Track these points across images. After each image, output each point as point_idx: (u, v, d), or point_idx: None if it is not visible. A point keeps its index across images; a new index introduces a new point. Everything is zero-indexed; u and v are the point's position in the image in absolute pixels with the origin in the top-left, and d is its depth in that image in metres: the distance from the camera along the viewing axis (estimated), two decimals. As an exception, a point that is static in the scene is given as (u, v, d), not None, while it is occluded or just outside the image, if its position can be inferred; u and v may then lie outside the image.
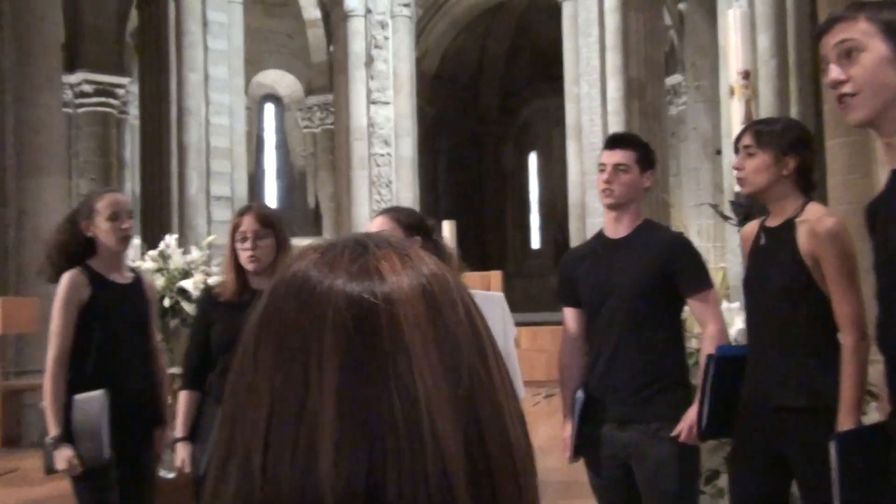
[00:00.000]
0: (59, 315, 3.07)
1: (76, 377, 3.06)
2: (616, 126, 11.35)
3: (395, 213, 3.00)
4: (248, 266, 3.04)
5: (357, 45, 13.31)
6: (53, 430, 2.99)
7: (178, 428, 3.10)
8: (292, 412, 0.55)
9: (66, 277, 3.09)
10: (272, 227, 3.07)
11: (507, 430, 0.57)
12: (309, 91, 18.06)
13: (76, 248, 3.16)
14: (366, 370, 0.54)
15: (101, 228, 3.14)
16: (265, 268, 3.06)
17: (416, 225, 2.89)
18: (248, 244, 3.03)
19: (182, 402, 3.12)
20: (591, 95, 11.95)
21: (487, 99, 22.02)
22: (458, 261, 3.06)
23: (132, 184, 16.04)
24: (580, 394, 2.91)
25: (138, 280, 3.33)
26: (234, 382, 0.60)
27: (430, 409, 0.54)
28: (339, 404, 0.53)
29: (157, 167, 13.17)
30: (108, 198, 3.21)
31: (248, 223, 3.05)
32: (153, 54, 13.27)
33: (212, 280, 4.43)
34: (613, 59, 11.81)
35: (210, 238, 5.46)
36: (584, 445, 2.90)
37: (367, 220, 13.32)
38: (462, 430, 0.55)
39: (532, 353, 10.45)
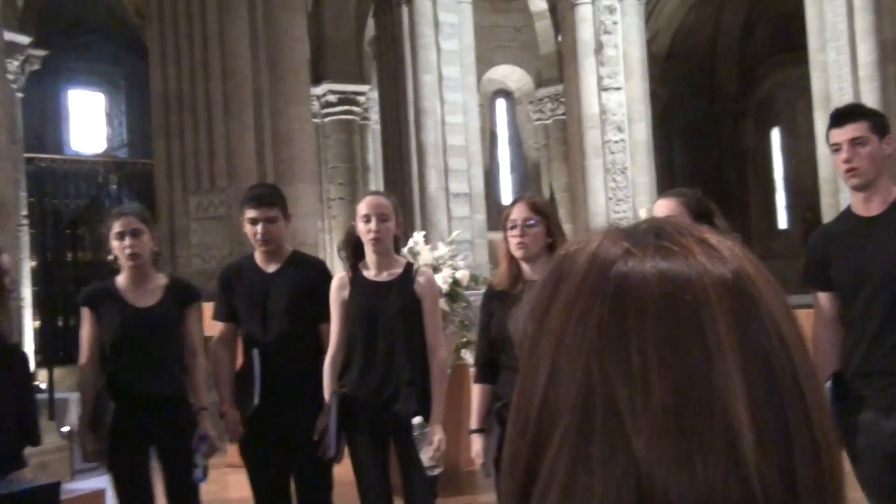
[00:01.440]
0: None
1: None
2: (869, 93, 10.51)
3: (683, 196, 2.94)
4: (516, 253, 3.07)
5: (586, 33, 13.19)
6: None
7: (473, 420, 3.15)
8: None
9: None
10: (542, 214, 3.09)
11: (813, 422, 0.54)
12: (539, 83, 18.14)
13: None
14: (686, 358, 0.52)
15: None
16: (535, 255, 3.07)
17: (703, 211, 2.85)
18: (516, 231, 3.05)
19: (475, 395, 3.18)
20: (840, 62, 11.12)
21: (723, 75, 21.08)
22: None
23: (376, 185, 16.86)
24: (828, 382, 2.74)
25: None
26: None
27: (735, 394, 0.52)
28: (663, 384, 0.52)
29: (398, 168, 13.76)
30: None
31: (518, 212, 3.08)
32: (390, 60, 13.87)
33: (459, 274, 4.57)
34: (864, 20, 10.93)
35: (454, 234, 5.63)
36: (842, 433, 2.73)
37: (603, 209, 13.18)
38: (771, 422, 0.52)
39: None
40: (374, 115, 16.88)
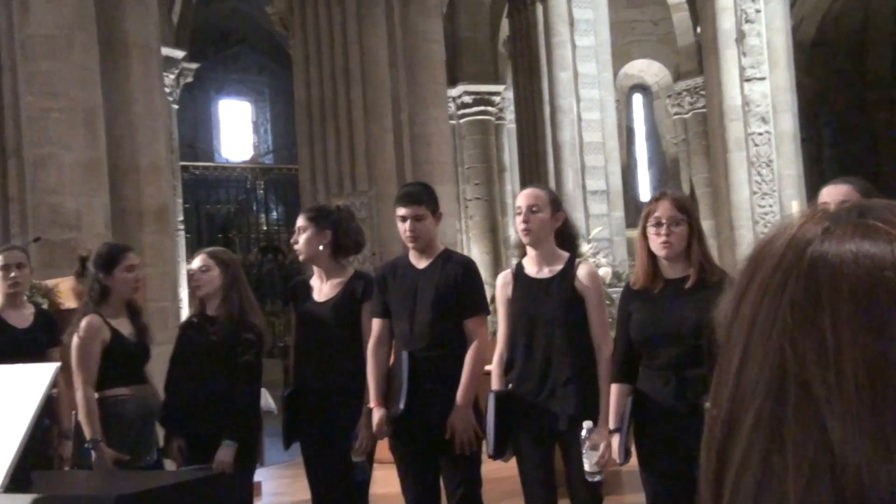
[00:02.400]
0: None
1: None
2: None
3: (856, 183, 2.84)
4: (661, 252, 2.97)
5: (726, 22, 12.80)
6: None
7: (611, 420, 3.11)
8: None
9: None
10: (687, 212, 2.98)
11: None
12: (677, 76, 17.73)
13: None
14: (882, 337, 0.49)
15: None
16: (678, 255, 2.98)
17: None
18: (662, 230, 2.95)
19: (613, 394, 3.14)
20: None
21: (875, 61, 19.99)
22: None
23: (512, 185, 16.88)
24: None
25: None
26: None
27: None
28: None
29: (534, 167, 13.72)
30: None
31: (662, 209, 2.96)
32: (525, 59, 13.85)
33: (601, 272, 4.53)
34: None
35: (595, 231, 5.59)
36: None
37: (747, 203, 12.75)
38: None
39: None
40: (510, 115, 16.90)
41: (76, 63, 6.22)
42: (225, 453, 3.62)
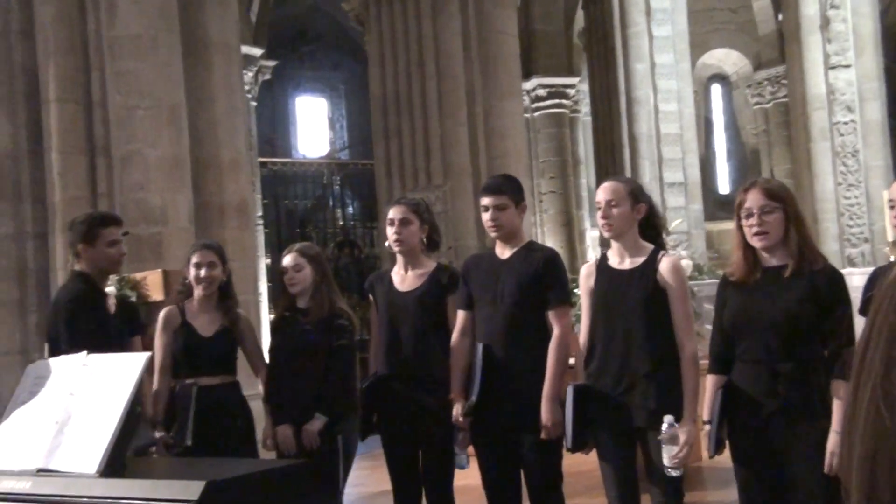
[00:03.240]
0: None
1: None
2: None
3: None
4: (755, 243, 2.92)
5: (810, 9, 12.44)
6: None
7: (705, 412, 3.07)
8: None
9: None
10: (779, 199, 2.92)
11: None
12: (757, 65, 17.32)
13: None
14: None
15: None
16: (775, 243, 2.92)
17: None
18: (753, 220, 2.91)
19: (708, 386, 3.09)
20: None
21: (969, 46, 19.21)
22: None
23: (587, 179, 16.74)
24: None
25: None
26: None
27: None
28: None
29: (609, 160, 13.58)
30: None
31: (752, 199, 2.92)
32: (600, 50, 13.70)
33: (682, 264, 4.45)
34: None
35: (675, 223, 5.49)
36: None
37: (831, 194, 12.39)
38: None
39: None
40: (585, 108, 16.75)
41: (160, 62, 6.39)
42: (313, 424, 3.75)
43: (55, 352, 3.50)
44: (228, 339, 3.97)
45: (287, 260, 3.96)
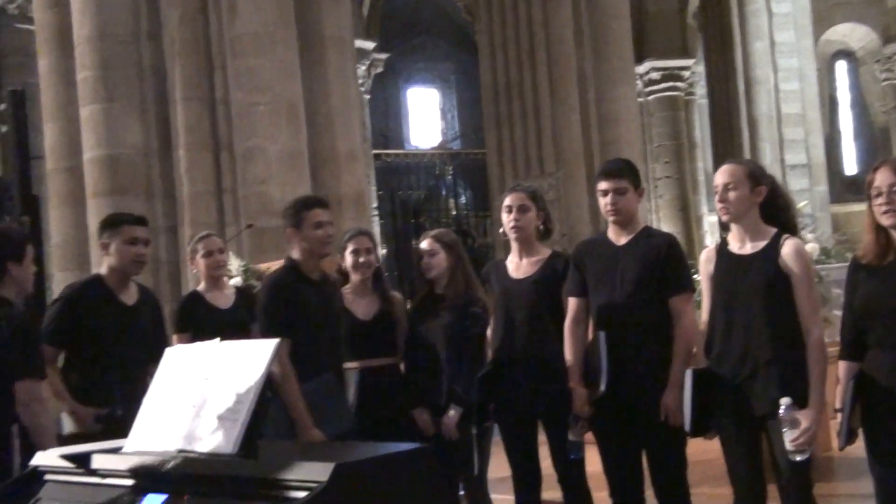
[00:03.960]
0: None
1: None
2: None
3: None
4: (886, 222, 2.81)
5: (944, -23, 11.80)
6: None
7: (837, 399, 2.97)
8: None
9: None
10: None
11: None
12: (886, 39, 16.51)
13: None
14: None
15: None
16: None
17: None
18: (882, 199, 2.80)
19: (841, 372, 3.01)
20: None
21: None
22: None
23: (703, 163, 16.34)
24: None
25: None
26: None
27: None
28: None
29: (727, 142, 13.22)
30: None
31: (881, 178, 2.81)
32: (716, 31, 13.34)
33: (808, 248, 4.30)
34: None
35: (801, 205, 5.30)
36: None
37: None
38: None
39: None
40: (700, 90, 16.35)
41: (279, 59, 6.58)
42: (450, 416, 3.83)
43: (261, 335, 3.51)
44: (387, 322, 4.08)
45: (422, 245, 4.04)
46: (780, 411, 2.92)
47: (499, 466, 3.81)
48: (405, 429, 3.89)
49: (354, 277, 4.07)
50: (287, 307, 3.53)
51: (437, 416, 3.91)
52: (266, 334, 3.26)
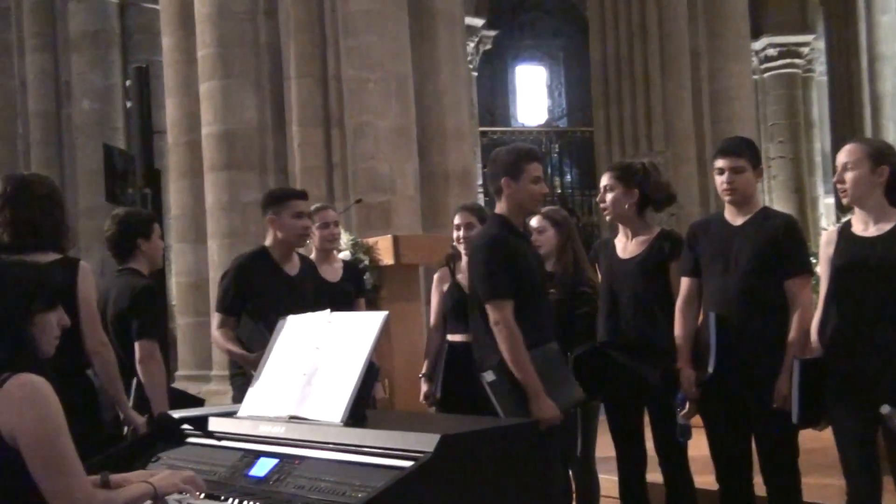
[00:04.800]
0: None
1: None
2: None
3: None
4: None
5: None
6: None
7: None
8: None
9: None
10: None
11: None
12: None
13: None
14: None
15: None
16: None
17: None
18: None
19: None
20: None
21: None
22: None
23: (821, 142, 15.73)
24: None
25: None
26: None
27: None
28: None
29: (847, 122, 12.70)
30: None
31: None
32: (838, 4, 12.79)
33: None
34: None
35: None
36: None
37: None
38: None
39: None
40: (819, 67, 15.72)
41: (389, 35, 6.64)
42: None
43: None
44: None
45: (532, 222, 4.04)
46: (885, 411, 2.82)
47: (607, 446, 3.79)
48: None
49: (463, 251, 4.13)
50: (509, 267, 3.27)
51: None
52: (491, 291, 3.22)
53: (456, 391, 3.98)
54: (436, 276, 4.37)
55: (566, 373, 3.39)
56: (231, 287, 3.84)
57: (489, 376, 3.18)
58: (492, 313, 3.20)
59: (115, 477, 2.22)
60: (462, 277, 4.07)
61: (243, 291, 3.82)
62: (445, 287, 4.25)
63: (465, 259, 4.08)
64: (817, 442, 3.48)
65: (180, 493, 2.17)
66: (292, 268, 3.92)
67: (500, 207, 3.41)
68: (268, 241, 3.92)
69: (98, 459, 2.54)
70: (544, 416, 3.12)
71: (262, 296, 3.76)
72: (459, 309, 4.00)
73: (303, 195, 4.00)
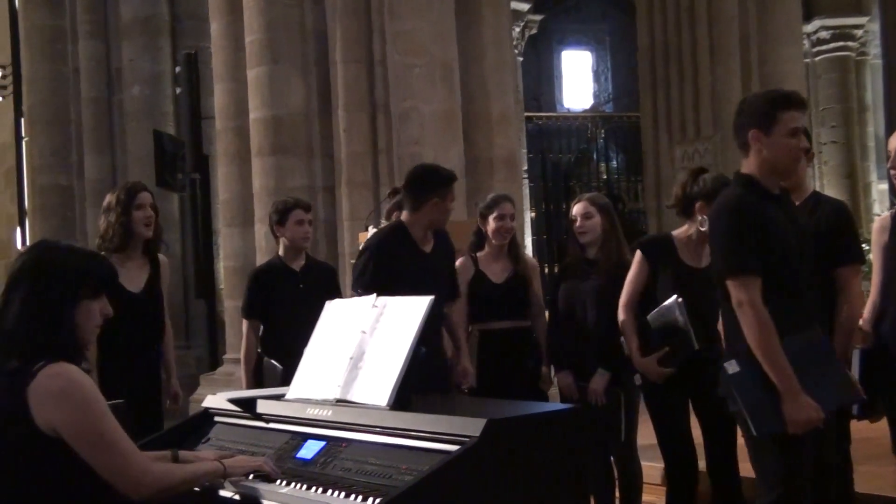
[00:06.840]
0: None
1: None
2: None
3: None
4: None
5: None
6: None
7: None
8: None
9: None
10: None
11: None
12: None
13: None
14: None
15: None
16: None
17: None
18: None
19: None
20: None
21: None
22: None
23: (874, 127, 15.39)
24: None
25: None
26: None
27: None
28: None
29: (903, 106, 12.40)
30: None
31: None
32: (896, -15, 12.44)
33: None
34: None
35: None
36: None
37: None
38: None
39: None
40: (874, 50, 15.34)
41: (435, 20, 6.63)
42: (597, 381, 3.84)
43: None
44: (520, 285, 4.11)
45: (577, 208, 4.01)
46: None
47: (649, 433, 3.77)
48: (525, 391, 3.94)
49: (494, 242, 4.13)
50: (757, 237, 2.70)
51: (582, 382, 3.91)
52: (734, 266, 2.65)
53: (490, 380, 3.99)
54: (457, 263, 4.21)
55: (834, 366, 2.78)
56: (369, 264, 3.84)
57: (732, 367, 2.62)
58: (734, 292, 2.61)
59: (184, 453, 2.27)
60: (484, 265, 4.12)
61: (380, 268, 3.81)
62: (469, 277, 4.17)
63: (491, 248, 4.11)
64: (870, 431, 3.43)
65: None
66: (427, 245, 3.94)
67: (748, 166, 2.77)
68: (405, 216, 3.95)
69: (155, 437, 2.60)
70: (799, 417, 2.54)
71: (398, 271, 3.78)
72: (484, 297, 4.07)
73: (454, 178, 4.02)
